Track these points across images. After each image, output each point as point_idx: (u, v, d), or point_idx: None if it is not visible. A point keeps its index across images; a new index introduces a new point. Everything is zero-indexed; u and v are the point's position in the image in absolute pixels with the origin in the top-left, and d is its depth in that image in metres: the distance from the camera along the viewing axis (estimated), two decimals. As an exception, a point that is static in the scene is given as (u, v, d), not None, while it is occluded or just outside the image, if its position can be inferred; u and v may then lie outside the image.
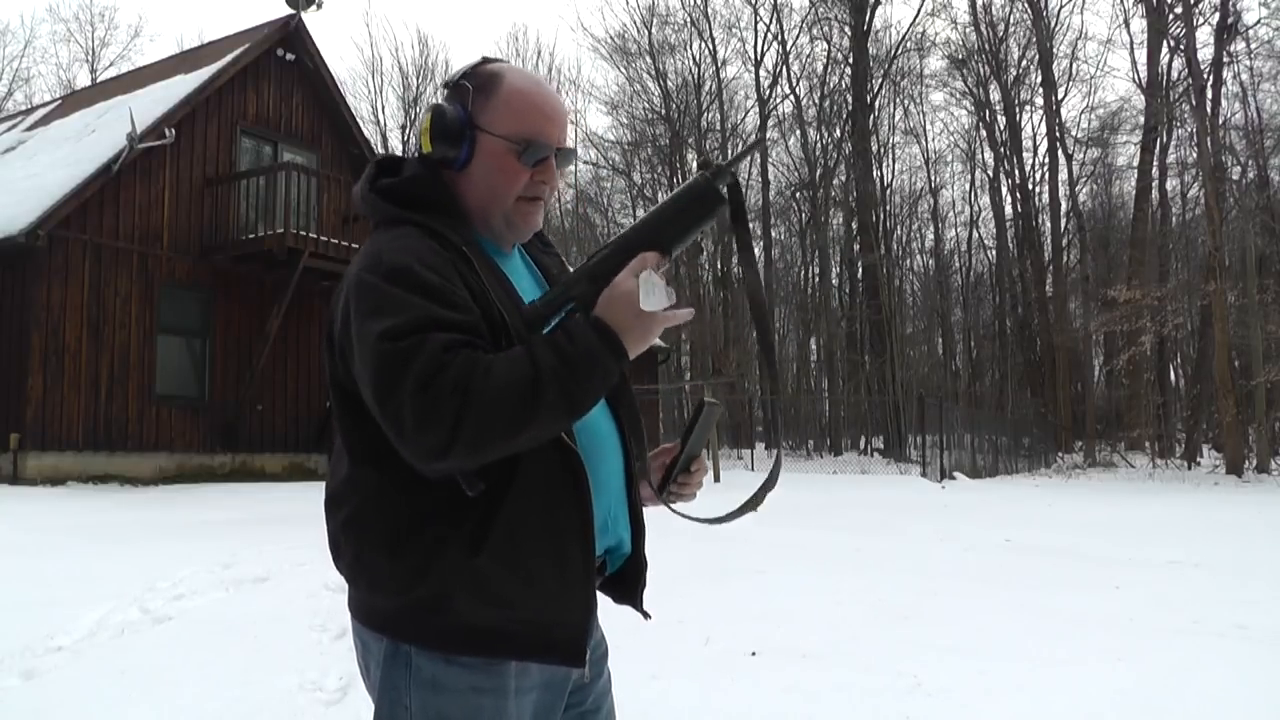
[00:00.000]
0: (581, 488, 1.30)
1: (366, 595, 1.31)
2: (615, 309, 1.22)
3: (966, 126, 36.46)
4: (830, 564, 6.20)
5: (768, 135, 33.80)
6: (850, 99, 32.23)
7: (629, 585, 1.45)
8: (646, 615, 1.47)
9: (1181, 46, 23.84)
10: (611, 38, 39.42)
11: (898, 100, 34.74)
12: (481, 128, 1.34)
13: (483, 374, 1.14)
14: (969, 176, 37.37)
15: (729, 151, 33.91)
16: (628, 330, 1.22)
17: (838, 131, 32.81)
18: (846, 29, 32.39)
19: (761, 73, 34.20)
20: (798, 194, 35.31)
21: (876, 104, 32.89)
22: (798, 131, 33.83)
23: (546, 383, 1.15)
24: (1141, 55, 32.92)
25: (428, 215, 1.33)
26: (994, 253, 36.62)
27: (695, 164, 1.39)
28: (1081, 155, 33.70)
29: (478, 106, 1.35)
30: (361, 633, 1.34)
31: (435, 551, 1.23)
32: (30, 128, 16.97)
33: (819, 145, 33.20)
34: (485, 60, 1.40)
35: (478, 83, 1.36)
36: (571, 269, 1.47)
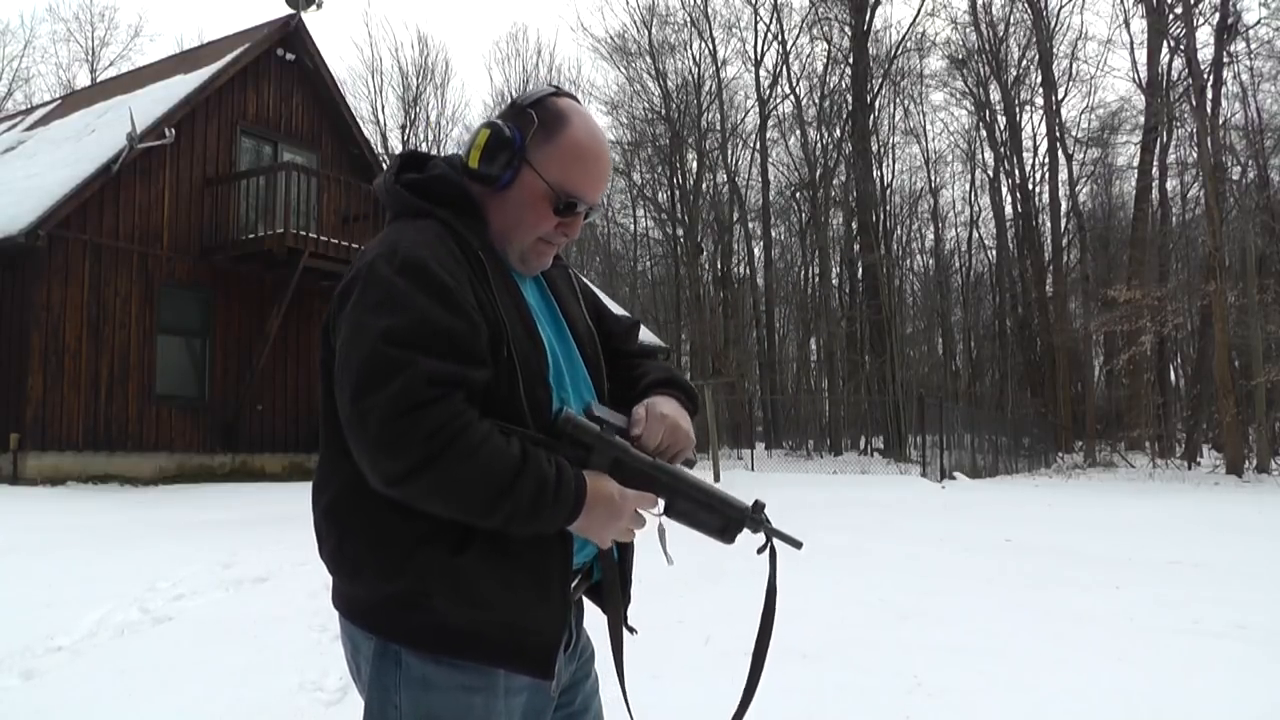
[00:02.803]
0: None
1: (348, 586, 1.31)
2: (600, 504, 1.28)
3: (966, 126, 36.51)
4: (830, 564, 6.20)
5: (768, 135, 33.86)
6: (850, 99, 32.23)
7: (612, 595, 1.45)
8: (632, 630, 1.47)
9: (1181, 46, 23.83)
10: (611, 38, 39.53)
11: (898, 100, 34.77)
12: (530, 163, 1.35)
13: (468, 447, 1.17)
14: (969, 176, 37.44)
15: (729, 151, 33.95)
16: (592, 520, 1.28)
17: (838, 131, 32.81)
18: (846, 29, 32.41)
19: (761, 73, 34.27)
20: (798, 194, 35.31)
21: (876, 104, 32.91)
22: (798, 131, 33.89)
23: (510, 499, 1.19)
24: (1141, 55, 32.95)
25: (452, 213, 1.34)
26: (994, 253, 36.65)
27: (755, 503, 1.48)
28: (1081, 155, 33.75)
29: (535, 141, 1.36)
30: (349, 629, 1.34)
31: (418, 545, 1.24)
32: (30, 128, 16.95)
33: (819, 145, 33.22)
34: (558, 92, 1.40)
35: (543, 117, 1.36)
36: (578, 286, 1.53)
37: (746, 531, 1.41)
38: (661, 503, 1.36)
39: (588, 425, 1.32)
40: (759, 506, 1.40)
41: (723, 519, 1.37)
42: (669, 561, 1.40)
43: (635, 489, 1.32)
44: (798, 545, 1.44)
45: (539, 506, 1.21)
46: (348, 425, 1.20)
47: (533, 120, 1.36)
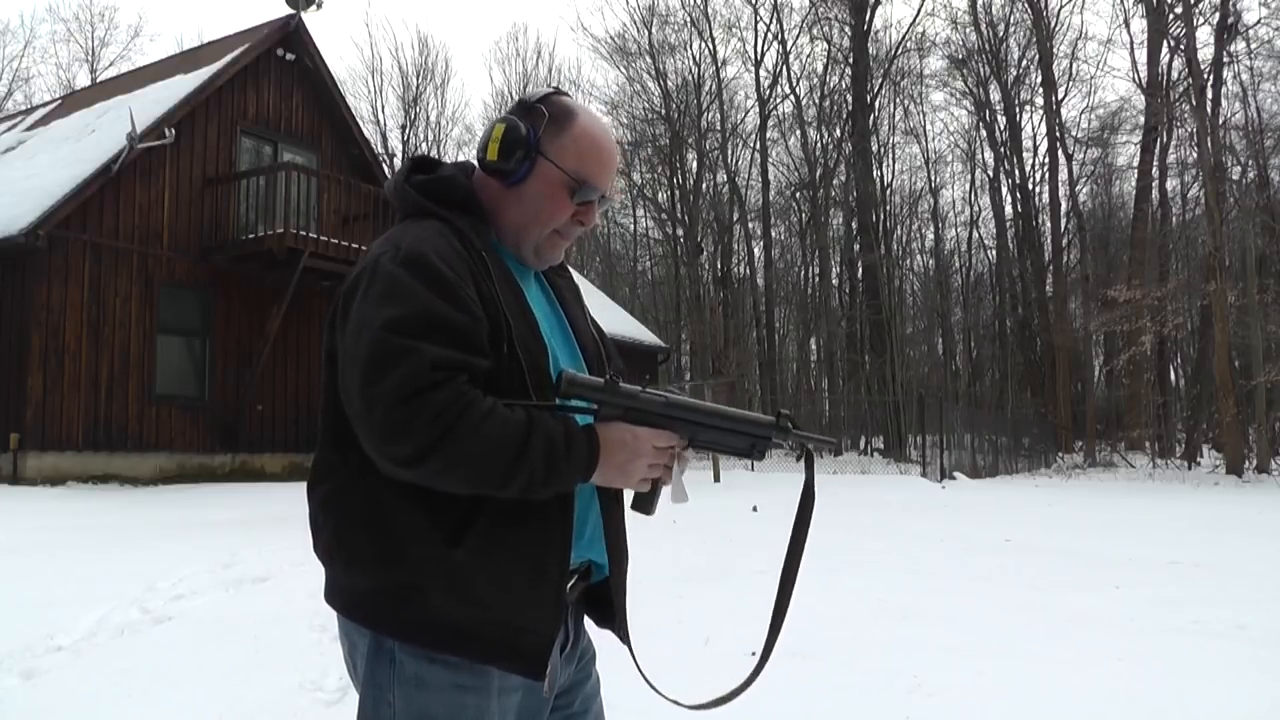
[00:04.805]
0: (566, 501, 1.32)
1: (343, 575, 1.32)
2: (615, 448, 1.30)
3: (966, 126, 36.46)
4: (830, 564, 6.19)
5: (768, 135, 33.86)
6: (850, 99, 32.21)
7: (607, 608, 1.47)
8: (626, 640, 1.49)
9: (1181, 46, 23.82)
10: (611, 38, 39.43)
11: (898, 100, 34.70)
12: (545, 154, 1.39)
13: (475, 422, 1.19)
14: (969, 176, 37.39)
15: (729, 151, 33.95)
16: (611, 467, 1.30)
17: (838, 131, 32.78)
18: (846, 29, 32.39)
19: (761, 73, 34.19)
20: (798, 194, 35.28)
21: (876, 104, 32.88)
22: (798, 131, 33.85)
23: (522, 469, 1.21)
24: (1141, 55, 32.94)
25: (455, 214, 1.38)
26: (994, 253, 36.61)
27: (777, 413, 1.41)
28: (1081, 155, 33.70)
29: (548, 134, 1.40)
30: (346, 627, 1.35)
31: (416, 535, 1.25)
32: (30, 128, 16.95)
33: (819, 145, 33.17)
34: (559, 92, 1.45)
35: (553, 112, 1.41)
36: (590, 315, 1.54)
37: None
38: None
39: (592, 380, 1.32)
40: (782, 416, 1.39)
41: (748, 440, 1.38)
42: (685, 498, 1.38)
43: (645, 434, 1.33)
44: (832, 444, 1.46)
45: (553, 465, 1.23)
46: (356, 414, 1.22)
47: (543, 114, 1.40)
